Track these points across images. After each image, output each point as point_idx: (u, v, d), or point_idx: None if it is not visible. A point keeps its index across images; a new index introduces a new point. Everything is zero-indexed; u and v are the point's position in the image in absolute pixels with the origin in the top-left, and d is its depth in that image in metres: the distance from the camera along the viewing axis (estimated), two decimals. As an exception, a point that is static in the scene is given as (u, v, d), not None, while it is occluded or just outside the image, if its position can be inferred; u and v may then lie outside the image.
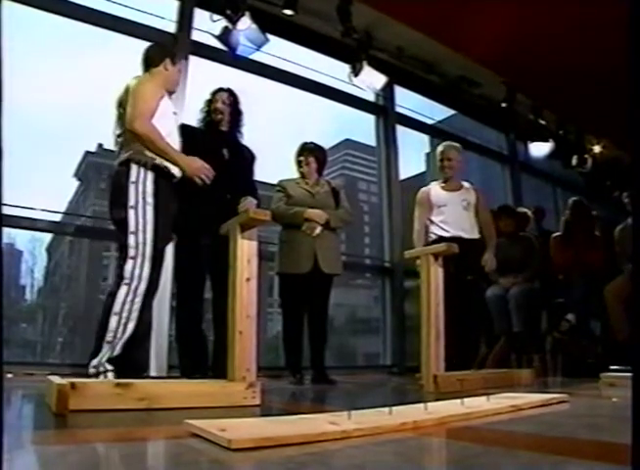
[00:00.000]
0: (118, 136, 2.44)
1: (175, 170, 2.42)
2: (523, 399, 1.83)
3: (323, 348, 3.41)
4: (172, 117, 2.49)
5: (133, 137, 2.31)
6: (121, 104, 2.39)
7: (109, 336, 2.18)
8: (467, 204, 3.60)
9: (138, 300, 2.24)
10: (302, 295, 3.39)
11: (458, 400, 1.66)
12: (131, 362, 2.25)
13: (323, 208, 3.40)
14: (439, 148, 3.78)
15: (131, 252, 2.27)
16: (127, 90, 2.38)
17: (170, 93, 2.62)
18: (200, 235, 2.77)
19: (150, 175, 2.34)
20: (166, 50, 2.67)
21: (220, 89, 3.10)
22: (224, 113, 3.01)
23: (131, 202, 2.30)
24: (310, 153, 3.53)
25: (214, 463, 0.99)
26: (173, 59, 2.60)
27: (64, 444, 1.21)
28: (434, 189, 3.68)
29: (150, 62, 2.55)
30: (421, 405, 1.55)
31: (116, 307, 2.20)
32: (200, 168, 2.42)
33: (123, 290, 2.22)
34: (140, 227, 2.29)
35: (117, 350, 2.19)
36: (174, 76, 2.61)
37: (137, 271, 2.25)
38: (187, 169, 2.39)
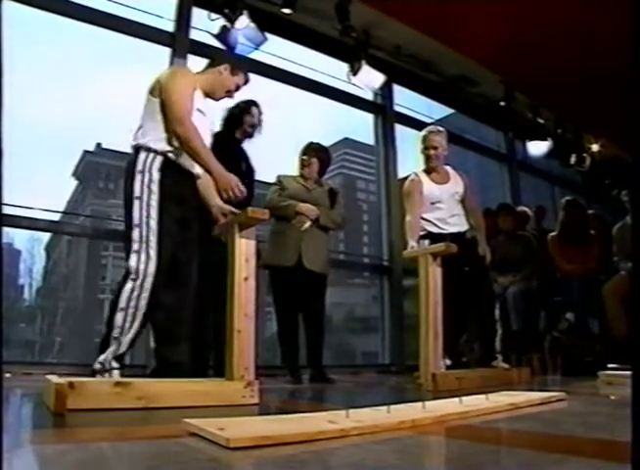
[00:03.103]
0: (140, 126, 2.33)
1: (197, 170, 2.33)
2: (521, 398, 1.83)
3: (320, 346, 3.40)
4: (196, 115, 2.33)
5: (172, 133, 2.22)
6: (152, 92, 2.29)
7: (115, 332, 2.12)
8: (459, 196, 3.52)
9: (145, 295, 2.16)
10: (292, 290, 3.36)
11: (456, 399, 1.66)
12: (169, 364, 2.25)
13: (317, 204, 3.38)
14: (422, 133, 3.53)
15: (135, 246, 2.17)
16: (158, 80, 2.28)
17: (215, 99, 2.52)
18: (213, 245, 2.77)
19: (157, 163, 2.23)
20: (231, 59, 2.60)
21: (255, 103, 3.18)
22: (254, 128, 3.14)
23: (137, 192, 2.19)
24: (314, 153, 3.51)
25: (213, 462, 0.99)
26: (233, 69, 2.48)
27: (62, 443, 1.21)
28: (426, 182, 3.46)
29: (211, 62, 2.50)
30: (419, 404, 1.55)
31: (122, 303, 2.13)
32: (233, 186, 2.23)
33: (129, 285, 2.14)
34: (144, 220, 2.18)
35: (124, 346, 2.14)
36: (225, 82, 2.47)
37: (142, 267, 2.16)
38: (218, 181, 2.23)
